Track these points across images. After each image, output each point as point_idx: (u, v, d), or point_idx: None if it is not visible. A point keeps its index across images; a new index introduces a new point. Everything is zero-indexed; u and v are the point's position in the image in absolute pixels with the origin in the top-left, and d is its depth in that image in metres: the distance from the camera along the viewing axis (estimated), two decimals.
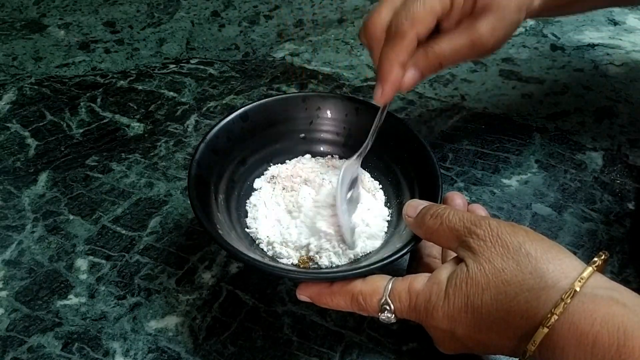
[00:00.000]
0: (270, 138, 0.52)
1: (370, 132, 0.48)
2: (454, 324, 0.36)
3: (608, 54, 0.73)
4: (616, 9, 0.80)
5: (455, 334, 0.37)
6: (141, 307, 0.46)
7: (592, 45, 0.74)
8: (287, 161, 0.53)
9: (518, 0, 0.46)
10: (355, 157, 0.48)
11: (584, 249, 0.51)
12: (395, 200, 0.50)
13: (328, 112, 0.53)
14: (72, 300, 0.47)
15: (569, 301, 0.32)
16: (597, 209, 0.54)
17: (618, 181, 0.57)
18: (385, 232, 0.47)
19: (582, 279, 0.33)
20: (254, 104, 0.51)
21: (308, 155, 0.53)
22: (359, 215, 0.47)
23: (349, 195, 0.47)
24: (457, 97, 0.67)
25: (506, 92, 0.68)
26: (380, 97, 0.45)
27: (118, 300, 0.47)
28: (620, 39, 0.75)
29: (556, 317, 0.32)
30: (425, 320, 0.38)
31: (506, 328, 0.35)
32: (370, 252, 0.46)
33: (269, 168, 0.52)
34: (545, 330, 0.32)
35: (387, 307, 0.39)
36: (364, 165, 0.52)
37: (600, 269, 0.35)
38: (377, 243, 0.46)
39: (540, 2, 0.49)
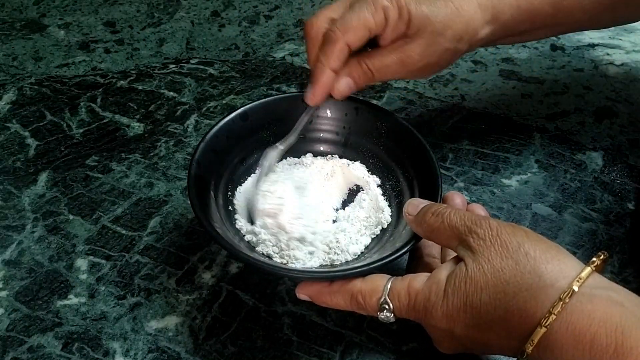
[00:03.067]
0: (270, 138, 0.52)
1: (295, 127, 0.49)
2: (453, 323, 0.36)
3: (608, 54, 0.73)
4: None
5: (454, 334, 0.37)
6: (141, 307, 0.46)
7: (592, 45, 0.74)
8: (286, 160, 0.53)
9: (455, 30, 0.47)
10: (278, 145, 0.49)
11: (584, 249, 0.51)
12: (395, 200, 0.50)
13: (327, 111, 0.53)
14: (72, 300, 0.47)
15: (567, 301, 0.32)
16: (597, 209, 0.54)
17: (618, 181, 0.57)
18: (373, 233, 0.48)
19: (581, 278, 0.33)
20: (254, 103, 0.51)
21: (309, 155, 0.53)
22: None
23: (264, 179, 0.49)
24: (457, 97, 0.67)
25: (506, 92, 0.68)
26: (311, 99, 0.48)
27: (118, 300, 0.47)
28: (620, 39, 0.75)
29: (554, 316, 0.32)
30: (424, 320, 0.38)
31: (505, 327, 0.35)
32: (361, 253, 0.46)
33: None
34: (544, 329, 0.32)
35: (386, 307, 0.39)
36: (364, 164, 0.52)
37: (599, 269, 0.35)
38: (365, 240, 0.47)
39: (487, 33, 0.50)
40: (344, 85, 0.47)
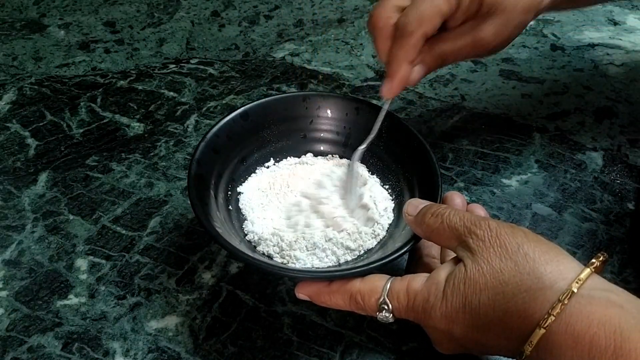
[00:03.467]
0: (271, 137, 0.53)
1: (375, 124, 0.49)
2: (452, 324, 0.36)
3: (608, 54, 0.73)
4: (616, 9, 0.80)
5: (453, 334, 0.37)
6: (141, 307, 0.46)
7: (592, 45, 0.74)
8: (287, 159, 0.53)
9: (525, 3, 0.47)
10: (363, 146, 0.49)
11: (584, 249, 0.51)
12: (395, 200, 0.50)
13: (328, 111, 0.53)
14: (72, 300, 0.47)
15: (566, 302, 0.32)
16: (597, 209, 0.54)
17: (618, 181, 0.57)
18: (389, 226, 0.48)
19: (580, 280, 0.33)
20: (255, 103, 0.51)
21: (310, 154, 0.53)
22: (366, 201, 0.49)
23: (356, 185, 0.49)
24: (457, 97, 0.67)
25: (506, 92, 0.68)
26: (388, 92, 0.47)
27: (118, 300, 0.47)
28: (620, 39, 0.75)
29: (553, 318, 0.32)
30: (423, 320, 0.38)
31: (503, 328, 0.35)
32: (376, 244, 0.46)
33: (264, 167, 0.52)
34: (542, 331, 0.32)
35: (385, 307, 0.39)
36: (364, 164, 0.52)
37: (599, 271, 0.35)
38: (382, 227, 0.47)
39: (549, 1, 0.49)
40: (417, 73, 0.47)
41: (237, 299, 0.47)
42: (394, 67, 0.45)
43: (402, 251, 0.42)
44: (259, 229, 0.47)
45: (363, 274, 0.40)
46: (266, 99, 0.52)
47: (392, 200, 0.50)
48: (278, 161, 0.53)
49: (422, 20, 0.44)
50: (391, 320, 0.39)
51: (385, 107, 0.49)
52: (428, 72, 0.47)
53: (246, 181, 0.51)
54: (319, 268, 0.45)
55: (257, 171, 0.52)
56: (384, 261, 0.41)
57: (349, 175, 0.49)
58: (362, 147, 0.49)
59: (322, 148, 0.54)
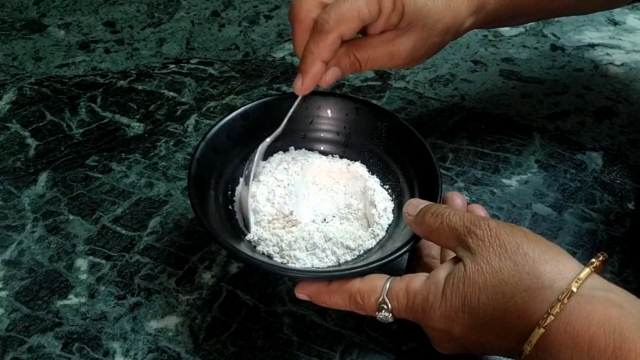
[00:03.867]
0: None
1: (285, 118, 0.49)
2: (451, 323, 0.36)
3: (608, 54, 0.73)
4: (616, 9, 0.80)
5: (453, 334, 0.37)
6: (141, 307, 0.46)
7: (592, 45, 0.74)
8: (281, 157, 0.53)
9: (445, 24, 0.47)
10: (268, 140, 0.49)
11: (584, 249, 0.51)
12: (395, 200, 0.50)
13: (328, 111, 0.53)
14: (72, 300, 0.47)
15: (565, 302, 0.32)
16: (597, 209, 0.54)
17: (618, 181, 0.57)
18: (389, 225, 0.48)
19: (579, 279, 0.33)
20: (255, 102, 0.51)
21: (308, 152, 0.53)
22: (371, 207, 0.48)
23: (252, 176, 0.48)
24: (457, 97, 0.67)
25: (506, 92, 0.68)
26: (300, 88, 0.47)
27: (118, 300, 0.47)
28: (620, 39, 0.75)
29: (552, 317, 0.32)
30: (422, 320, 0.38)
31: (503, 328, 0.35)
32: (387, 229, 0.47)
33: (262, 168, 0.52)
34: (542, 330, 0.32)
35: (385, 307, 0.39)
36: (364, 164, 0.52)
37: (598, 270, 0.35)
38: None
39: (471, 23, 0.50)
40: (332, 75, 0.47)
41: (237, 299, 0.47)
42: (307, 64, 0.45)
43: (402, 251, 0.42)
44: (259, 228, 0.47)
45: (363, 273, 0.40)
46: (266, 98, 0.52)
47: (392, 200, 0.50)
48: (277, 160, 0.53)
49: (341, 20, 0.44)
50: (390, 320, 0.39)
51: (296, 103, 0.49)
52: (342, 75, 0.48)
53: (246, 180, 0.51)
54: (318, 268, 0.45)
55: (257, 169, 0.52)
56: (383, 261, 0.41)
57: (250, 167, 0.48)
58: (268, 139, 0.49)
59: (322, 148, 0.54)
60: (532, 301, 0.33)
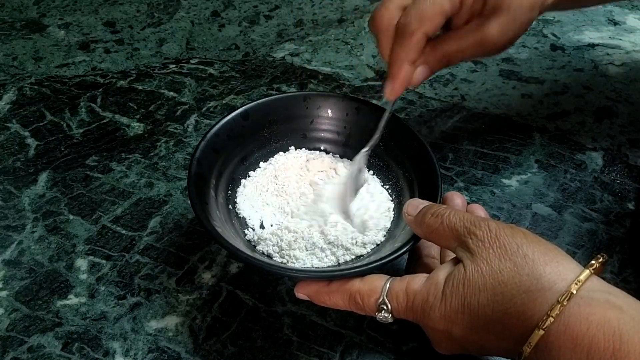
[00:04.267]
0: (271, 137, 0.53)
1: (380, 124, 0.49)
2: (451, 324, 0.36)
3: (608, 54, 0.73)
4: (616, 9, 0.80)
5: (452, 335, 0.37)
6: (141, 307, 0.46)
7: (592, 45, 0.74)
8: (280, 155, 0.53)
9: (530, 0, 0.45)
10: (366, 148, 0.49)
11: (584, 249, 0.51)
12: (395, 200, 0.50)
13: (329, 111, 0.53)
14: (72, 300, 0.47)
15: (565, 304, 0.32)
16: (597, 209, 0.54)
17: (618, 181, 0.57)
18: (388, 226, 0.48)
19: (579, 281, 0.33)
20: (255, 102, 0.51)
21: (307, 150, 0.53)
22: (364, 207, 0.48)
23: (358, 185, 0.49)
24: (457, 97, 0.67)
25: (506, 92, 0.68)
26: (391, 93, 0.46)
27: (118, 300, 0.47)
28: (620, 39, 0.75)
29: (552, 319, 0.32)
30: (422, 321, 0.38)
31: (502, 329, 0.35)
32: (378, 244, 0.46)
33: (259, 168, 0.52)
34: (541, 332, 0.32)
35: (385, 307, 0.39)
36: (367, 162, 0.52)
37: (598, 272, 0.35)
38: (381, 234, 0.47)
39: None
40: (420, 74, 0.46)
41: (237, 299, 0.47)
42: (395, 68, 0.45)
43: (402, 251, 0.42)
44: (259, 229, 0.47)
45: (362, 273, 0.40)
46: (267, 98, 0.52)
47: (392, 200, 0.50)
48: (278, 160, 0.53)
49: (423, 19, 0.43)
50: (390, 320, 0.39)
51: (389, 109, 0.48)
52: (432, 73, 0.47)
53: (247, 180, 0.51)
54: (318, 268, 0.45)
55: (257, 170, 0.52)
56: (383, 261, 0.41)
57: (351, 178, 0.49)
58: (365, 149, 0.49)
59: (322, 148, 0.54)
60: (532, 303, 0.33)
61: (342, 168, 0.52)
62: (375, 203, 0.49)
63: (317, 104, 0.53)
